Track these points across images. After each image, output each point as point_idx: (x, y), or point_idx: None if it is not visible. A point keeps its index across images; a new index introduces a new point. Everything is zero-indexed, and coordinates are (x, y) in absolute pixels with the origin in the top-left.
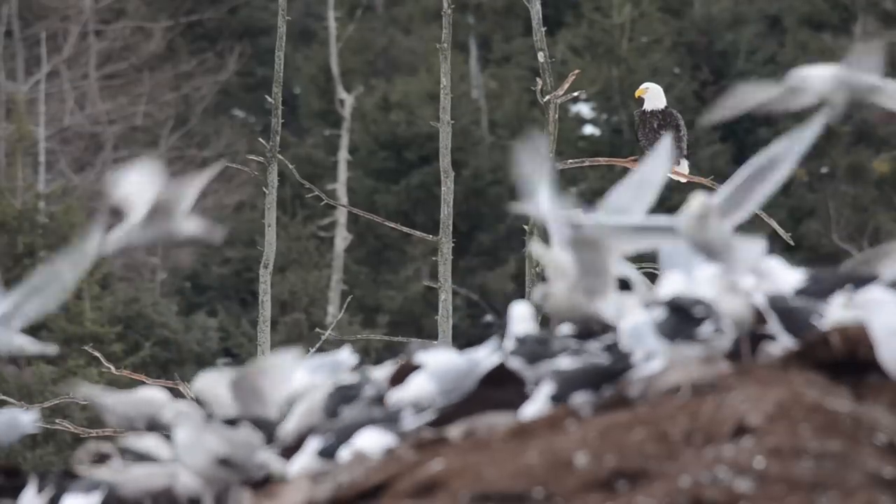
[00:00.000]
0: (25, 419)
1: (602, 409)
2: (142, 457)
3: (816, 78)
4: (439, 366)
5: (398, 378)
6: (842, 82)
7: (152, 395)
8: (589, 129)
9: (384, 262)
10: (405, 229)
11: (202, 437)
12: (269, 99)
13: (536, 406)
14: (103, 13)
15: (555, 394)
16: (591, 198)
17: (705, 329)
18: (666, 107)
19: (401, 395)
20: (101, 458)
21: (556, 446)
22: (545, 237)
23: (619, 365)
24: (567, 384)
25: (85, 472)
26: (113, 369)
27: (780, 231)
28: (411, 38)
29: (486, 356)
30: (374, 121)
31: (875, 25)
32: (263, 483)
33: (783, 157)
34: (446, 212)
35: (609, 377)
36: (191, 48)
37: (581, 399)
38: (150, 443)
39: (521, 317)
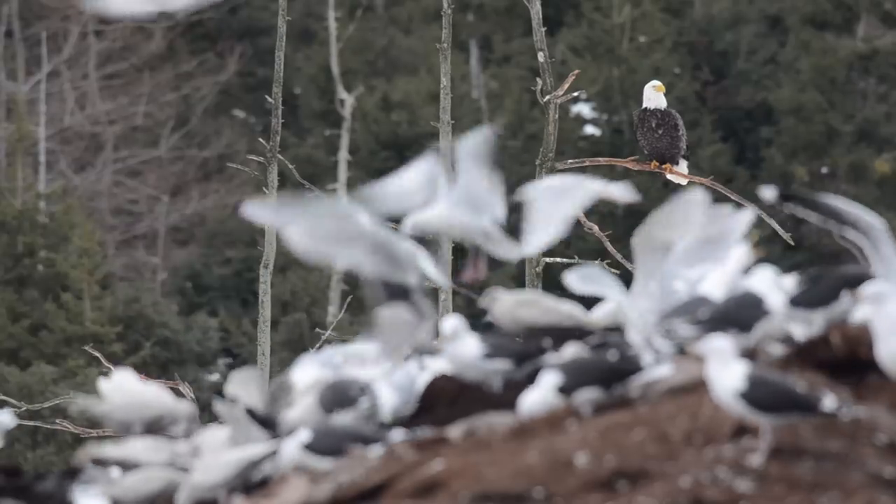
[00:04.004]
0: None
1: (602, 408)
2: (140, 462)
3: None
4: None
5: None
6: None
7: (155, 397)
8: (589, 129)
9: None
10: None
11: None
12: (269, 99)
13: (539, 394)
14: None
15: (563, 385)
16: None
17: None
18: (666, 107)
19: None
20: (101, 462)
21: (557, 446)
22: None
23: (630, 365)
24: (577, 377)
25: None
26: (113, 369)
27: (781, 231)
28: (411, 38)
29: (416, 371)
30: (376, 120)
31: (877, 25)
32: (263, 483)
33: None
34: None
35: (619, 376)
36: (191, 48)
37: (589, 394)
38: (146, 446)
39: (452, 332)
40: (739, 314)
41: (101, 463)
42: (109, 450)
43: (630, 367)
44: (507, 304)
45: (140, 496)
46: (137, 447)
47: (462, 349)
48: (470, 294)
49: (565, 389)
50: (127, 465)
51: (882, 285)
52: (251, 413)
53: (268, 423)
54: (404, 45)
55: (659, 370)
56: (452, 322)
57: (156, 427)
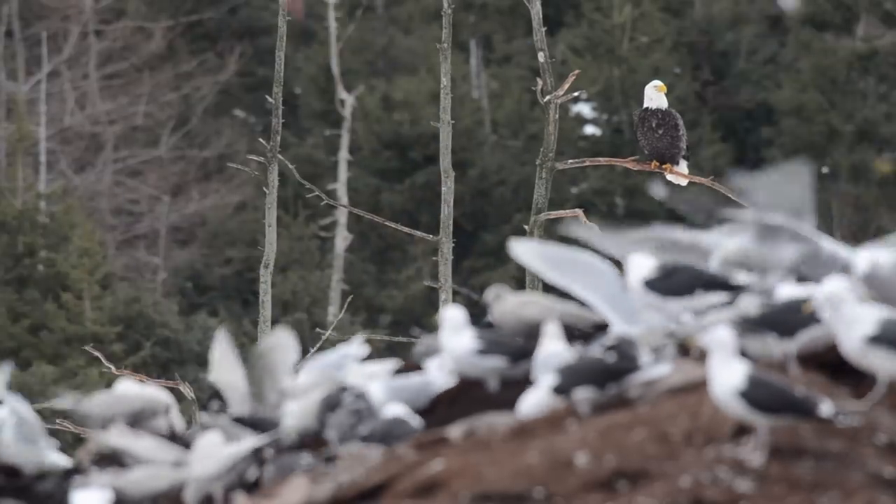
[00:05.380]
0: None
1: (602, 409)
2: (141, 458)
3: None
4: (399, 385)
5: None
6: None
7: (128, 392)
8: (589, 129)
9: (387, 261)
10: (405, 229)
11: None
12: (270, 99)
13: (538, 395)
14: (103, 13)
15: (558, 385)
16: (591, 197)
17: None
18: (668, 107)
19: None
20: (102, 459)
21: (557, 446)
22: (545, 237)
23: (625, 364)
24: (571, 378)
25: (88, 472)
26: (113, 369)
27: None
28: (411, 38)
29: (437, 376)
30: (378, 120)
31: (877, 25)
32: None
33: None
34: (446, 212)
35: (614, 376)
36: (191, 48)
37: (584, 394)
38: (148, 444)
39: (450, 322)
40: (782, 318)
41: (107, 455)
42: (117, 440)
43: (626, 366)
44: (510, 303)
45: (145, 491)
46: (145, 444)
47: (458, 344)
48: (471, 294)
49: (560, 390)
50: (132, 459)
51: (837, 287)
52: (239, 419)
53: (258, 424)
54: (404, 45)
55: (657, 370)
56: (453, 312)
57: (136, 421)
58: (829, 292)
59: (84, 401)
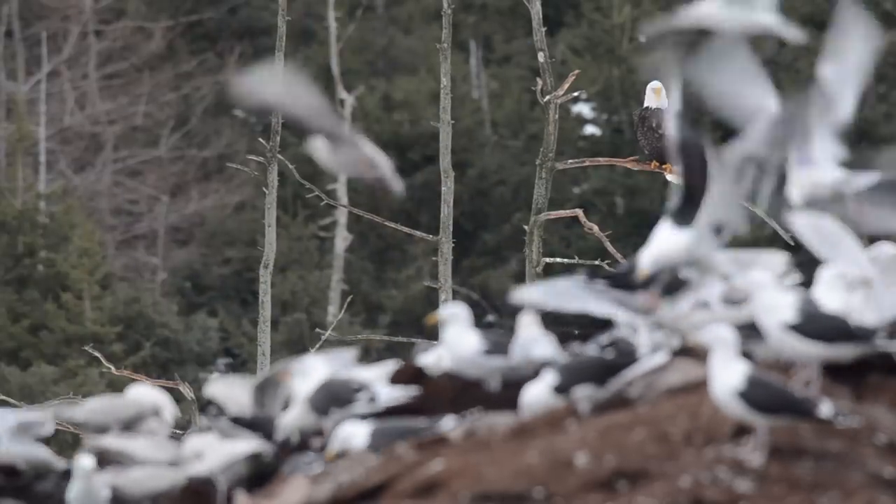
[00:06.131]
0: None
1: (602, 408)
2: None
3: None
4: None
5: (399, 379)
6: None
7: (127, 400)
8: (589, 129)
9: (387, 261)
10: (405, 229)
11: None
12: None
13: (538, 388)
14: (103, 13)
15: (558, 385)
16: (591, 197)
17: None
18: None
19: None
20: (102, 459)
21: (556, 446)
22: (545, 237)
23: (624, 360)
24: (571, 376)
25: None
26: (113, 369)
27: (780, 231)
28: (411, 38)
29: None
30: (378, 120)
31: (877, 25)
32: (262, 482)
33: None
34: (446, 212)
35: (614, 371)
36: (191, 48)
37: (584, 392)
38: (146, 444)
39: (450, 317)
40: None
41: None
42: (114, 442)
43: (625, 361)
44: None
45: (145, 490)
46: (142, 444)
47: (463, 344)
48: (471, 294)
49: (560, 389)
50: (130, 461)
51: (748, 281)
52: (238, 420)
53: (257, 425)
54: (404, 45)
55: (655, 359)
56: (456, 310)
57: (131, 428)
58: (748, 279)
59: (79, 408)
